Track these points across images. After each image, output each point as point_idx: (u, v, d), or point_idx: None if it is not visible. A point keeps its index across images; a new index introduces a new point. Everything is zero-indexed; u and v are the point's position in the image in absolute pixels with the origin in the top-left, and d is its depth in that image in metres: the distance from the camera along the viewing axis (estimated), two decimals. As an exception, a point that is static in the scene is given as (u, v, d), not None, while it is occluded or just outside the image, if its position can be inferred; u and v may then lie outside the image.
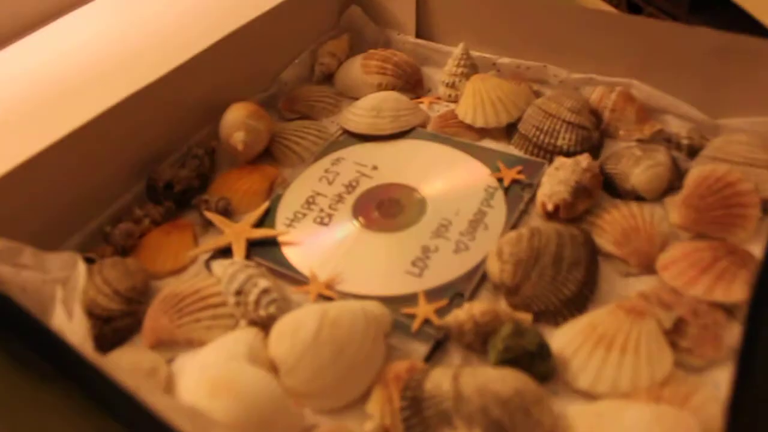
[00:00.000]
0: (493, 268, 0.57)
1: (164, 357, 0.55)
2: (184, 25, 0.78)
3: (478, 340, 0.53)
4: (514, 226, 0.63)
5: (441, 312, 0.55)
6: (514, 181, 0.68)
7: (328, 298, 0.58)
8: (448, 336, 0.54)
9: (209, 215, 0.66)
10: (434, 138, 0.75)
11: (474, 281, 0.58)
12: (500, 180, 0.68)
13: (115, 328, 0.57)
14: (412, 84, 0.84)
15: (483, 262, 0.59)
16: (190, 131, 0.75)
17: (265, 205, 0.67)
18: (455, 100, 0.81)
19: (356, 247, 0.62)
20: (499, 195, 0.66)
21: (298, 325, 0.51)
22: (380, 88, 0.82)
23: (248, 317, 0.55)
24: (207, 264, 0.63)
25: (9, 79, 0.69)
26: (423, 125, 0.78)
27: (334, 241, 0.63)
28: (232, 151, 0.72)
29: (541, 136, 0.71)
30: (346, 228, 0.65)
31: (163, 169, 0.70)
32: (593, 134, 0.71)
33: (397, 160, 0.72)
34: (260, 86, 0.82)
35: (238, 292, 0.55)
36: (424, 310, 0.55)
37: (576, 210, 0.62)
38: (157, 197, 0.69)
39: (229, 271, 0.57)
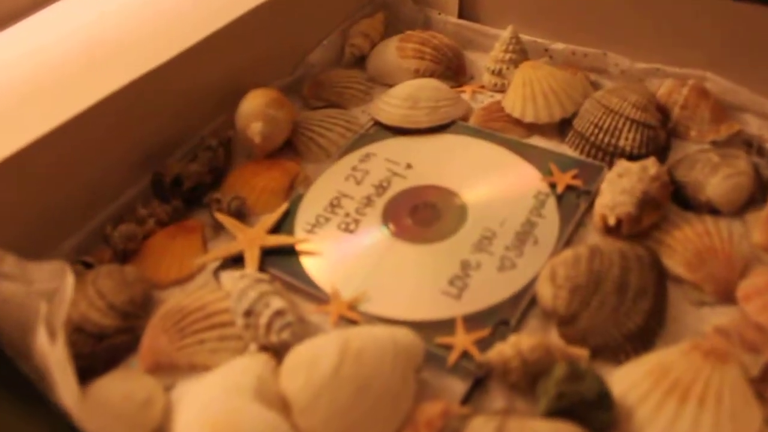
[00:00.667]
0: (545, 293, 0.49)
1: (163, 383, 0.49)
2: (198, 1, 0.70)
3: (526, 380, 0.45)
4: (568, 242, 0.55)
5: (482, 343, 0.47)
6: (569, 188, 0.59)
7: (352, 321, 0.50)
8: (490, 373, 0.46)
9: (220, 218, 0.58)
10: (477, 134, 0.66)
11: (521, 307, 0.50)
12: (552, 185, 0.59)
13: (108, 346, 0.50)
14: (453, 70, 0.75)
15: (532, 283, 0.51)
16: (203, 120, 0.67)
17: (284, 207, 0.59)
18: (502, 90, 0.73)
19: (385, 260, 0.55)
20: (551, 203, 0.58)
21: (316, 357, 0.44)
22: (417, 74, 0.73)
23: (259, 342, 0.48)
24: (216, 274, 0.55)
25: (3, 64, 0.62)
26: (464, 118, 0.69)
27: (361, 252, 0.55)
28: (248, 143, 0.64)
29: (600, 135, 0.62)
30: (375, 236, 0.57)
31: (171, 162, 0.63)
32: (660, 134, 0.62)
33: (434, 158, 0.64)
34: (283, 70, 0.75)
35: (248, 313, 0.48)
36: (462, 340, 0.47)
37: (641, 225, 0.53)
38: (164, 194, 0.62)
39: (240, 286, 0.50)
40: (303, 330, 0.48)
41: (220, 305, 0.51)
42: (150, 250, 0.58)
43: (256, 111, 0.63)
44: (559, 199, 0.58)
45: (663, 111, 0.65)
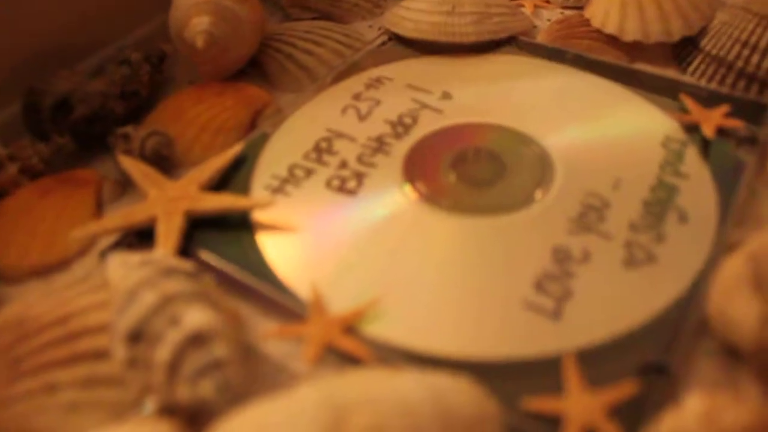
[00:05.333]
0: (741, 313, 0.24)
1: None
2: None
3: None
4: (740, 219, 0.30)
5: (622, 412, 0.23)
6: (721, 131, 0.35)
7: (350, 358, 0.25)
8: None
9: (125, 163, 0.34)
10: (555, 55, 0.42)
11: (684, 339, 0.25)
12: (691, 128, 0.35)
13: None
14: (503, -25, 0.51)
15: (696, 292, 0.27)
16: (123, 25, 0.43)
17: (234, 149, 0.34)
18: (577, 6, 0.48)
19: (411, 244, 0.30)
20: (694, 155, 0.34)
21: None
22: (453, -23, 0.49)
23: (157, 394, 0.23)
24: (104, 256, 0.31)
25: None
26: (526, 35, 0.45)
27: (366, 229, 0.31)
28: (189, 55, 0.40)
29: (755, 57, 0.39)
30: (391, 201, 0.32)
31: (58, 78, 0.38)
32: None
33: (486, 85, 0.40)
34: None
35: (135, 336, 0.23)
36: (582, 405, 0.23)
37: None
38: (41, 125, 0.37)
39: (129, 282, 0.25)
40: (248, 377, 0.23)
41: (98, 317, 0.27)
42: (4, 215, 0.34)
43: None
44: (706, 148, 0.34)
45: None
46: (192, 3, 0.39)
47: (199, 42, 0.37)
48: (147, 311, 0.23)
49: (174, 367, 0.22)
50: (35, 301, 0.28)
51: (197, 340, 0.22)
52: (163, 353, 0.22)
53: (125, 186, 0.36)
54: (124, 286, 0.25)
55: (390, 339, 0.26)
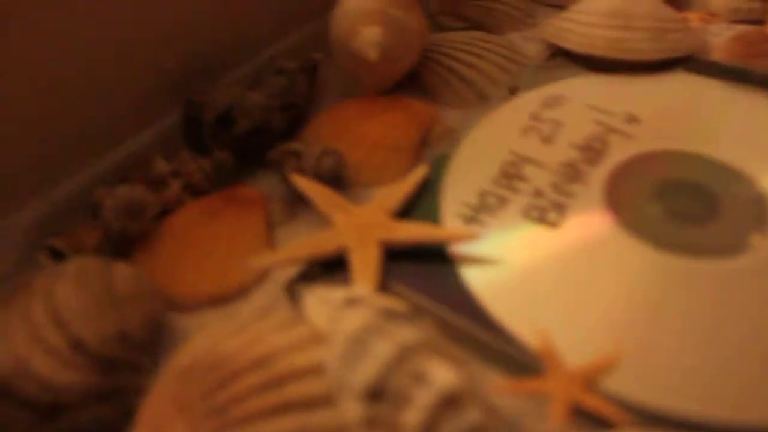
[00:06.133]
0: None
1: None
2: None
3: None
4: None
5: None
6: None
7: (594, 419, 0.23)
8: None
9: (301, 183, 0.32)
10: (739, 75, 0.38)
11: None
12: None
13: (66, 429, 0.24)
14: (665, -13, 0.47)
15: None
16: (274, 33, 0.41)
17: (421, 171, 0.32)
18: (749, 20, 0.45)
19: (634, 287, 0.27)
20: None
21: None
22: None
23: (394, 456, 0.21)
24: (291, 289, 0.28)
25: None
26: (700, 53, 0.42)
27: (577, 267, 0.28)
28: (352, 70, 0.38)
29: None
30: (597, 238, 0.29)
31: (218, 89, 0.36)
32: None
33: (674, 109, 0.37)
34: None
35: (376, 394, 0.21)
36: None
37: None
38: (202, 139, 0.35)
39: (352, 326, 0.23)
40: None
41: (301, 358, 0.25)
42: (170, 236, 0.32)
43: (370, 9, 0.36)
44: None
45: None
46: (360, 12, 0.37)
47: (372, 54, 0.35)
48: (385, 366, 0.21)
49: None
50: (222, 336, 0.26)
51: (450, 402, 0.20)
52: (413, 416, 0.20)
53: (293, 207, 0.34)
54: (347, 330, 0.23)
55: (632, 396, 0.23)
